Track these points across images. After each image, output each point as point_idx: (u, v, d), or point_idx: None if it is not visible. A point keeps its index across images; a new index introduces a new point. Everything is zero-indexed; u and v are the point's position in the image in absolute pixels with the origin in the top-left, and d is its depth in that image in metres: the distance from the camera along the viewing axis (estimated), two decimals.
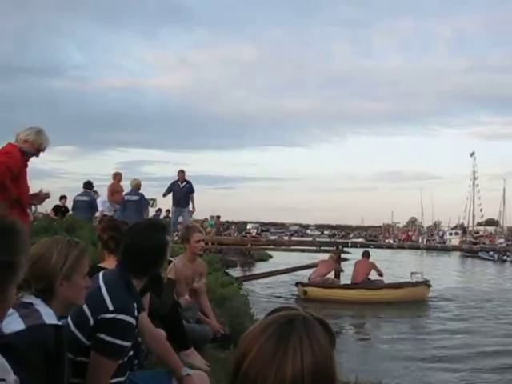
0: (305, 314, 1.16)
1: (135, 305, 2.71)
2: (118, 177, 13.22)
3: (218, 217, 33.48)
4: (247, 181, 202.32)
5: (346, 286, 16.34)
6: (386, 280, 17.02)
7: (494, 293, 20.40)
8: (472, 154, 69.13)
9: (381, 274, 16.45)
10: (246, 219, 62.94)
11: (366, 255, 16.73)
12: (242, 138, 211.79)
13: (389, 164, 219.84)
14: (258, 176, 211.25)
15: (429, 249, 48.42)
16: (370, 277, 16.41)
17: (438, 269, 34.11)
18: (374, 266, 16.41)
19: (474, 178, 68.51)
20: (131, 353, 2.79)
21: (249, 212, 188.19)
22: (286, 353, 1.08)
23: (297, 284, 16.84)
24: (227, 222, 39.88)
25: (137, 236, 2.94)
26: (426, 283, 16.75)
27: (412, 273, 17.35)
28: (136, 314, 2.69)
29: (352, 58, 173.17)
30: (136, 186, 12.53)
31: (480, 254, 46.60)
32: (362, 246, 24.67)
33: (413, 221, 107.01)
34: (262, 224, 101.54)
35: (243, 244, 24.91)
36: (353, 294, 15.71)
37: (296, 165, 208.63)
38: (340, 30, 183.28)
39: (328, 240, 44.20)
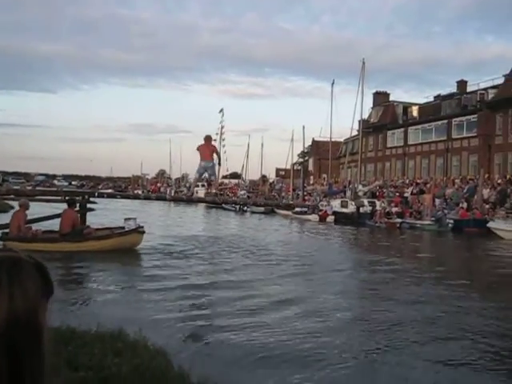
0: (18, 258, 1.06)
1: None
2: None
3: None
4: None
5: (48, 239, 15.60)
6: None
7: (219, 238, 21.89)
8: (220, 111, 72.16)
9: (82, 229, 16.06)
10: None
11: (72, 205, 16.38)
12: None
13: (140, 116, 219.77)
14: (1, 122, 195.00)
15: (175, 200, 50.01)
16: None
17: (176, 218, 35.62)
18: (76, 216, 16.19)
19: (221, 134, 71.78)
20: None
21: None
22: None
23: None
24: None
25: None
26: (137, 230, 16.55)
27: (125, 219, 17.11)
28: None
29: (107, 5, 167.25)
30: None
31: (223, 204, 49.59)
32: (109, 196, 24.43)
33: (162, 173, 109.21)
34: (4, 173, 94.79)
35: None
36: (57, 247, 15.06)
37: (43, 112, 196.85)
38: None
39: (74, 190, 42.94)
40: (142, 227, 16.77)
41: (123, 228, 16.64)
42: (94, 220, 18.62)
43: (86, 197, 19.23)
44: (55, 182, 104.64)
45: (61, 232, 15.73)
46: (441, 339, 7.79)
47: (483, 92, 45.43)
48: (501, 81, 43.32)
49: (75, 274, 12.67)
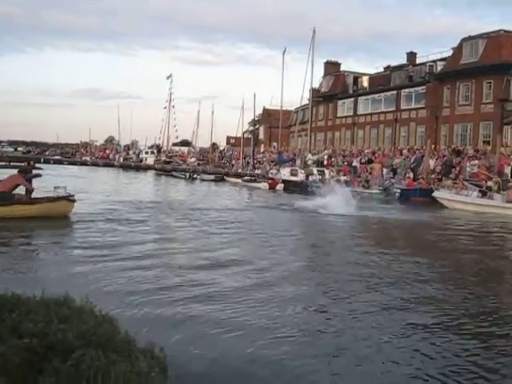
0: None
1: None
2: None
3: None
4: None
5: None
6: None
7: (165, 205, 22.02)
8: (169, 77, 71.07)
9: (30, 190, 15.96)
10: None
11: (21, 172, 16.17)
12: None
13: (88, 81, 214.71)
14: None
15: (124, 166, 49.42)
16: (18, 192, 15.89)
17: (123, 185, 35.17)
18: (20, 182, 15.81)
19: (170, 100, 70.82)
20: None
21: None
22: None
23: None
24: None
25: None
26: (68, 198, 16.33)
27: (55, 187, 16.78)
28: None
29: None
30: None
31: (173, 172, 49.30)
32: (56, 162, 23.97)
33: (110, 139, 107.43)
34: None
35: None
36: None
37: None
38: None
39: (20, 156, 41.79)
40: (73, 195, 16.61)
41: (48, 197, 16.45)
42: (39, 186, 18.22)
43: (32, 162, 18.76)
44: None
45: None
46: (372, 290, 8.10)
47: (432, 64, 46.16)
48: (449, 53, 44.05)
49: (11, 240, 12.31)
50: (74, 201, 16.45)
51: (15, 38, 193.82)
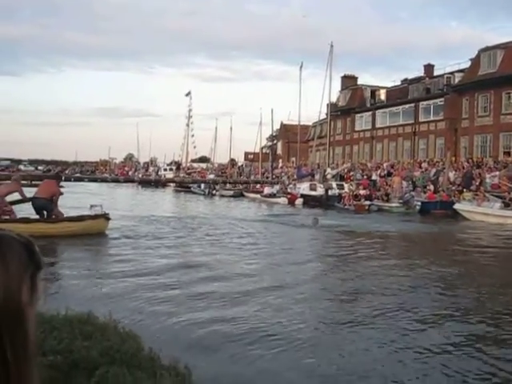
0: (2, 234, 0.98)
1: None
2: None
3: None
4: None
5: (22, 220, 15.04)
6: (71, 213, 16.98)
7: (187, 222, 22.01)
8: (188, 94, 71.50)
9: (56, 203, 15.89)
10: None
11: (56, 178, 16.75)
12: None
13: (107, 99, 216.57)
14: None
15: (143, 182, 49.74)
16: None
17: (144, 203, 35.26)
18: (55, 191, 15.82)
19: (189, 117, 71.19)
20: None
21: None
22: None
23: None
24: None
25: None
26: (104, 216, 16.59)
27: (91, 206, 16.91)
28: None
29: None
30: None
31: (192, 188, 49.45)
32: (76, 179, 24.18)
33: (130, 157, 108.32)
34: None
35: None
36: (31, 229, 13.99)
37: (6, 95, 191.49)
38: None
39: (41, 174, 42.23)
40: (108, 214, 16.78)
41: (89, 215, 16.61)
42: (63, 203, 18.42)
43: None
44: (21, 167, 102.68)
45: (36, 195, 15.63)
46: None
47: (449, 76, 45.93)
48: (467, 65, 43.80)
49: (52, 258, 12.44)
50: (109, 219, 16.68)
51: (35, 59, 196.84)
